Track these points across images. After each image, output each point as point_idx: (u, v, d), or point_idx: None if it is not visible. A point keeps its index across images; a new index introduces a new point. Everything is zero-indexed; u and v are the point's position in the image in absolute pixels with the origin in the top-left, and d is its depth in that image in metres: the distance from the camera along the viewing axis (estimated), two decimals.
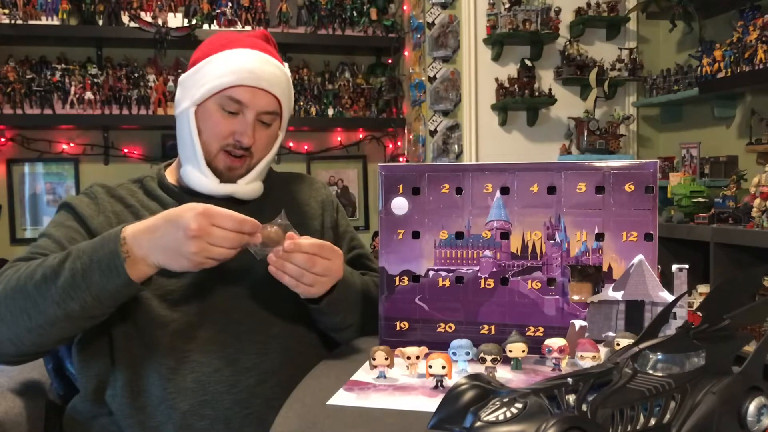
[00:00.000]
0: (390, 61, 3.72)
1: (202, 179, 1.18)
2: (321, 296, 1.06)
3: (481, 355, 0.88)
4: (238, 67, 1.16)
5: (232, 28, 3.39)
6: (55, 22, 3.21)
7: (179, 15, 3.36)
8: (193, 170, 1.18)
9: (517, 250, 1.03)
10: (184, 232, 0.93)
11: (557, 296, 1.02)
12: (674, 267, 0.97)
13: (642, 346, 0.64)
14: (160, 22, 3.30)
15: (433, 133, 3.51)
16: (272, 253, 1.00)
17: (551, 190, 1.02)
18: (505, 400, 0.58)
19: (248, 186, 1.21)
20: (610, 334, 0.97)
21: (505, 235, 1.03)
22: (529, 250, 1.03)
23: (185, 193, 1.20)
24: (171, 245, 0.94)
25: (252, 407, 1.05)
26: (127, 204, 1.19)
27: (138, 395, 1.05)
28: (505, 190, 1.03)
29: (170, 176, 1.26)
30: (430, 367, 0.86)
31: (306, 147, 3.70)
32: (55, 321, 0.96)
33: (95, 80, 3.28)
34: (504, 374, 0.90)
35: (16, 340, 0.98)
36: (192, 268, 0.97)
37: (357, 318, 1.15)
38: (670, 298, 0.95)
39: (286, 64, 1.32)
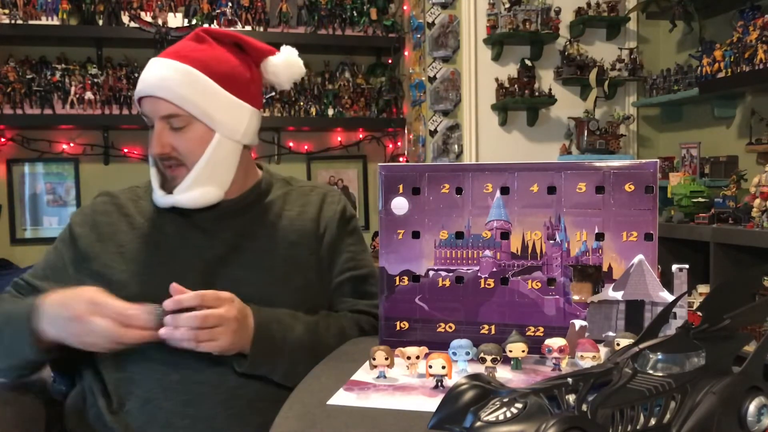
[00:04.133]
0: (390, 61, 3.72)
1: (156, 192, 1.20)
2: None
3: (481, 355, 0.88)
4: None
5: (232, 29, 3.39)
6: (55, 22, 3.20)
7: (179, 15, 3.36)
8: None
9: (517, 250, 1.03)
10: (67, 312, 1.01)
11: (557, 296, 1.01)
12: (674, 267, 0.97)
13: (642, 346, 0.64)
14: (160, 22, 3.30)
15: (433, 133, 3.51)
16: (152, 317, 0.99)
17: (551, 190, 1.02)
18: (505, 400, 0.58)
19: (186, 195, 1.16)
20: (610, 334, 0.97)
21: (505, 235, 1.03)
22: (529, 250, 1.03)
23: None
24: (64, 316, 1.01)
25: (235, 408, 1.06)
26: (124, 213, 1.21)
27: (124, 396, 1.07)
28: (505, 190, 1.03)
29: None
30: (430, 367, 0.86)
31: (306, 147, 3.69)
32: (12, 368, 1.11)
33: (95, 80, 3.28)
34: (504, 374, 0.90)
35: (6, 372, 1.13)
36: (78, 346, 1.02)
37: (309, 367, 1.00)
38: (670, 298, 0.95)
39: (288, 48, 1.26)
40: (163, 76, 1.15)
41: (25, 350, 1.04)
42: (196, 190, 1.16)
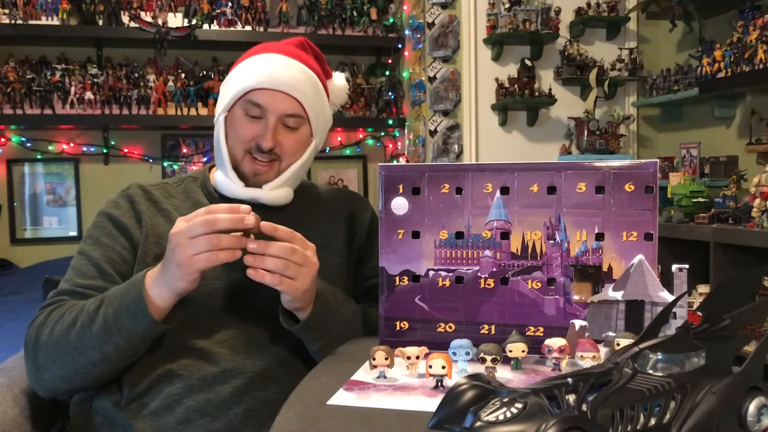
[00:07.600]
0: (390, 61, 3.72)
1: (228, 183, 1.19)
2: (298, 319, 1.06)
3: (481, 355, 0.88)
4: (257, 70, 1.19)
5: (232, 29, 3.39)
6: (55, 22, 3.21)
7: (179, 15, 3.37)
8: (221, 174, 1.21)
9: (517, 250, 1.03)
10: (167, 238, 0.99)
11: (557, 296, 1.01)
12: (674, 267, 0.97)
13: (642, 346, 0.64)
14: (160, 22, 3.31)
15: (433, 133, 3.51)
16: (248, 245, 0.98)
17: (551, 190, 1.02)
18: (505, 400, 0.57)
19: (273, 192, 1.20)
20: (610, 334, 0.97)
21: (505, 235, 1.03)
22: (529, 250, 1.03)
23: (219, 198, 1.22)
24: (165, 261, 1.00)
25: (254, 410, 1.06)
26: (160, 208, 1.21)
27: (146, 393, 1.07)
28: (505, 190, 1.03)
29: (213, 178, 1.26)
30: (430, 367, 0.86)
31: None
32: (95, 362, 1.03)
33: (95, 80, 3.28)
34: (504, 374, 0.90)
35: (67, 378, 1.05)
36: (187, 273, 0.97)
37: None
38: (670, 298, 0.95)
39: (342, 75, 1.36)
40: (297, 77, 1.20)
41: (137, 322, 0.99)
42: (284, 189, 1.22)
